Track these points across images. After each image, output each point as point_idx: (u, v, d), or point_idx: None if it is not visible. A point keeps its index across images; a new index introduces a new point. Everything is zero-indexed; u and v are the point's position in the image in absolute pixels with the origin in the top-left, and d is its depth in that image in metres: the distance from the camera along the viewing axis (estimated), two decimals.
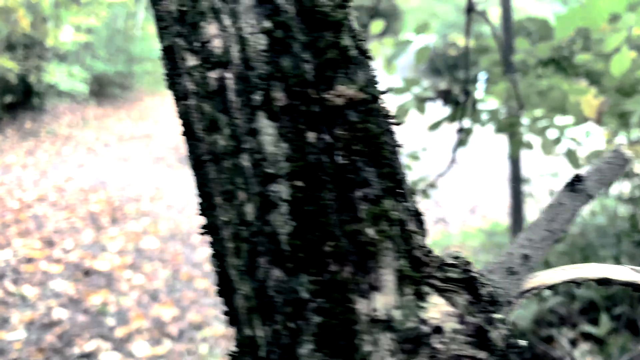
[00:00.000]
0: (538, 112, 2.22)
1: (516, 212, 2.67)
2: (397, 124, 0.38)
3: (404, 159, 1.43)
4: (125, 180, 6.32)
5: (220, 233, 0.40)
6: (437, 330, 0.34)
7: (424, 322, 0.34)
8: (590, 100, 1.70)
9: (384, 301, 0.34)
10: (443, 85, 2.21)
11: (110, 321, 2.84)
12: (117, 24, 13.17)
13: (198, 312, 3.06)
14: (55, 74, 8.60)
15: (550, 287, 0.39)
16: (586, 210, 3.91)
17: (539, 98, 1.85)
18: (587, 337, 2.22)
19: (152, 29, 13.65)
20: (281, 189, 0.35)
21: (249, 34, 0.36)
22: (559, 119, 2.08)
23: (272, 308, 0.35)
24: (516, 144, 2.19)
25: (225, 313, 0.41)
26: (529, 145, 2.06)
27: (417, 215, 0.40)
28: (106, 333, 2.70)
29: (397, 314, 0.34)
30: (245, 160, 0.36)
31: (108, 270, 3.57)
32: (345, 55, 0.36)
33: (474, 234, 5.23)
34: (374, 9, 2.33)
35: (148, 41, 12.45)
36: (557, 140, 1.95)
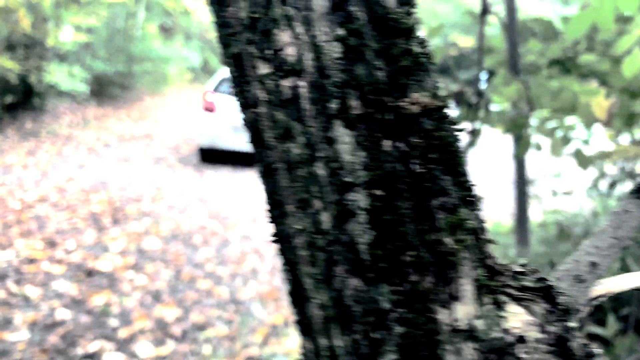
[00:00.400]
0: (546, 113, 2.23)
1: (521, 212, 2.67)
2: (461, 131, 0.38)
3: None
4: (126, 181, 6.30)
5: (292, 241, 0.39)
6: (521, 339, 0.34)
7: (506, 331, 0.34)
8: (601, 101, 1.71)
9: (464, 311, 0.34)
10: (455, 87, 2.21)
11: (113, 322, 2.83)
12: (117, 24, 13.15)
13: (201, 313, 3.06)
14: (56, 74, 8.57)
15: (616, 294, 0.39)
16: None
17: (549, 99, 1.86)
18: (594, 338, 2.23)
19: (151, 29, 13.64)
20: (359, 198, 0.35)
21: (323, 41, 0.36)
22: (567, 120, 2.09)
23: (350, 317, 0.35)
24: (524, 145, 2.19)
25: (297, 322, 0.40)
26: (538, 147, 2.07)
27: (484, 224, 0.40)
28: (109, 334, 2.69)
29: (479, 324, 0.34)
30: (320, 169, 0.36)
31: (110, 270, 3.57)
32: (417, 62, 0.36)
33: None
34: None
35: (148, 41, 12.46)
36: (566, 141, 1.96)
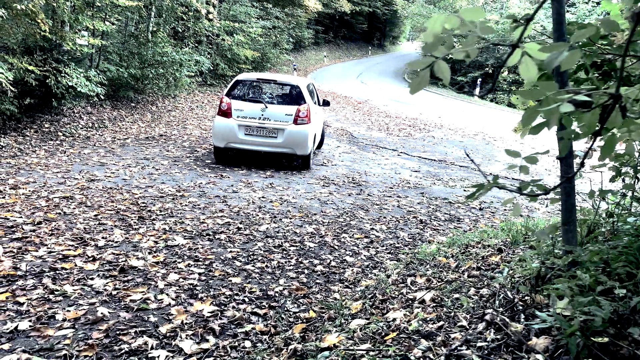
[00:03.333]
0: None
1: (568, 210, 2.65)
2: None
3: (522, 161, 1.43)
4: (147, 180, 6.36)
5: None
6: None
7: None
8: None
9: None
10: (581, 97, 2.20)
11: (152, 318, 2.86)
12: (129, 28, 13.26)
13: (236, 309, 3.07)
14: (74, 77, 8.65)
15: None
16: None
17: None
18: None
19: (163, 33, 13.73)
20: None
21: None
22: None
23: None
24: (565, 145, 2.18)
25: None
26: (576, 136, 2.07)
27: None
28: (150, 329, 2.72)
29: None
30: None
31: (142, 267, 3.60)
32: None
33: (493, 232, 5.20)
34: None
35: (159, 45, 12.55)
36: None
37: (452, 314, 2.42)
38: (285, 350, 2.36)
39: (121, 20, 12.84)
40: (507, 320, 1.95)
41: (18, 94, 7.90)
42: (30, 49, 8.56)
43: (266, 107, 7.54)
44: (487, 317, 2.08)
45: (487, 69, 26.51)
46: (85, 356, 2.39)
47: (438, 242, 4.78)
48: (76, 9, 8.93)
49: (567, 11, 25.91)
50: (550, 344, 1.56)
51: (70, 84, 8.67)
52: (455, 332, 2.10)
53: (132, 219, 4.71)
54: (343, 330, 2.52)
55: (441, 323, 2.25)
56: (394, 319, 2.54)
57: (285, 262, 4.01)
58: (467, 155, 1.45)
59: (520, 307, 2.03)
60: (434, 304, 2.71)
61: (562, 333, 1.53)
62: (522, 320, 1.90)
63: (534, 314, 1.93)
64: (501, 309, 2.17)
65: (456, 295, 2.80)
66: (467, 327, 2.14)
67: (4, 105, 7.75)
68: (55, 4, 7.59)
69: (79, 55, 9.72)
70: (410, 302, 2.87)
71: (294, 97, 7.95)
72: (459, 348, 1.84)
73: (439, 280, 3.28)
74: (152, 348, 2.49)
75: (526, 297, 2.11)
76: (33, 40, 8.34)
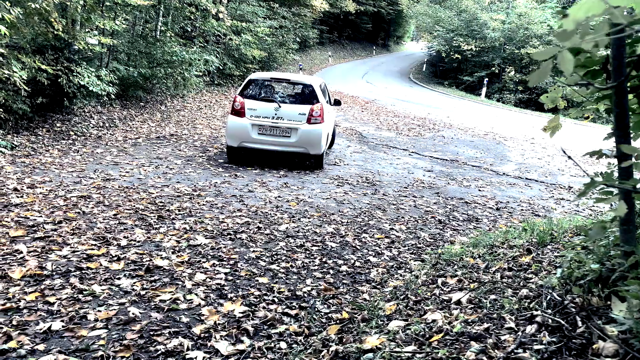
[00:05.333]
0: None
1: (628, 210, 2.58)
2: None
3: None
4: (162, 179, 6.32)
5: None
6: None
7: None
8: None
9: None
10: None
11: (184, 318, 2.81)
12: (137, 28, 13.23)
13: (267, 309, 3.03)
14: (85, 76, 8.62)
15: None
16: None
17: None
18: None
19: (171, 33, 13.70)
20: None
21: None
22: None
23: None
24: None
25: None
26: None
27: None
28: (184, 330, 2.67)
29: None
30: None
31: (167, 267, 3.56)
32: None
33: (515, 232, 5.14)
34: None
35: (168, 45, 12.52)
36: None
37: (495, 315, 2.37)
38: (327, 352, 2.31)
39: (129, 20, 12.81)
40: (562, 322, 1.89)
41: (30, 93, 7.87)
42: (42, 48, 8.53)
43: (279, 107, 7.49)
44: (538, 319, 2.03)
45: (494, 68, 26.42)
46: (122, 357, 2.35)
47: (460, 243, 4.73)
48: (87, 8, 8.90)
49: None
50: (619, 348, 1.51)
51: (82, 83, 8.64)
52: (505, 334, 2.05)
53: (151, 219, 4.67)
54: (382, 332, 2.47)
55: (487, 325, 2.20)
56: (433, 321, 2.49)
57: (310, 262, 3.96)
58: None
59: (573, 309, 1.98)
60: (472, 305, 2.66)
61: (637, 336, 1.48)
62: (579, 323, 1.85)
63: (589, 316, 1.88)
64: (550, 311, 2.12)
65: (493, 297, 2.75)
66: (516, 329, 2.09)
67: (16, 105, 7.72)
68: (69, 3, 7.55)
69: (90, 55, 9.70)
70: (445, 303, 2.82)
71: (307, 96, 7.90)
72: (515, 351, 1.79)
73: (471, 281, 3.23)
74: (188, 349, 2.45)
75: (577, 300, 2.06)
76: (44, 39, 8.32)
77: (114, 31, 10.82)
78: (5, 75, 6.90)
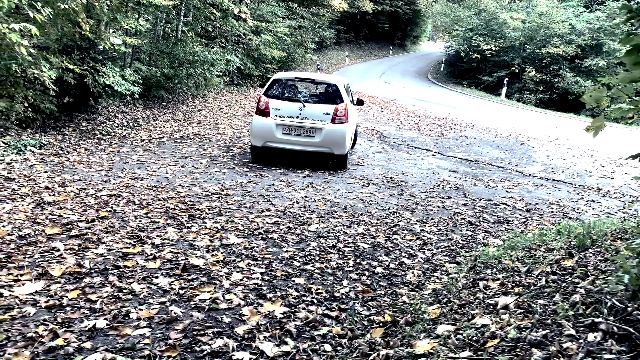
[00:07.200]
0: None
1: None
2: None
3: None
4: (189, 179, 6.33)
5: None
6: None
7: None
8: None
9: None
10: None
11: (225, 318, 2.79)
12: (160, 29, 13.32)
13: (307, 310, 2.99)
14: (110, 76, 8.69)
15: None
16: None
17: None
18: None
19: (192, 33, 13.77)
20: None
21: None
22: None
23: None
24: None
25: None
26: None
27: None
28: (227, 330, 2.64)
29: None
30: None
31: (203, 266, 3.54)
32: None
33: (551, 234, 5.02)
34: None
35: (190, 45, 12.58)
36: None
37: (549, 321, 2.30)
38: (377, 356, 2.26)
39: (150, 20, 12.90)
40: (631, 330, 1.81)
41: (57, 93, 7.95)
42: (67, 48, 8.62)
43: (304, 106, 7.46)
44: (602, 327, 1.95)
45: (514, 68, 26.07)
46: (169, 357, 2.33)
47: (494, 245, 4.63)
48: (113, 8, 8.98)
49: (596, 9, 25.32)
50: None
51: (107, 82, 8.71)
52: (566, 342, 1.98)
53: (182, 218, 4.67)
54: (430, 336, 2.41)
55: (544, 331, 2.13)
56: (483, 325, 2.42)
57: (344, 263, 3.91)
58: None
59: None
60: (521, 310, 2.58)
61: None
62: None
63: None
64: (612, 318, 2.04)
65: (541, 301, 2.67)
66: (577, 336, 2.02)
67: (44, 104, 7.82)
68: (97, 3, 7.61)
69: (115, 55, 9.78)
70: (492, 307, 2.75)
71: (331, 96, 7.85)
72: None
73: (514, 284, 3.15)
74: (233, 350, 2.42)
75: None
76: (70, 39, 8.40)
77: (137, 31, 10.91)
78: (35, 75, 6.98)
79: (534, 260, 3.69)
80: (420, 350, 2.22)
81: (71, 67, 7.79)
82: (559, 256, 3.64)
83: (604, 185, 8.33)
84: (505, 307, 2.70)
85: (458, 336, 2.30)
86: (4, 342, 2.36)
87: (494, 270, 3.59)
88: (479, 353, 2.06)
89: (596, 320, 2.06)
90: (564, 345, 1.94)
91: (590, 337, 1.97)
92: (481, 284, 3.24)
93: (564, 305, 2.41)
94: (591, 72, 24.11)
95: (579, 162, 10.22)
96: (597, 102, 3.07)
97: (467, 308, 2.81)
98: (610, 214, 6.58)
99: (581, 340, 1.96)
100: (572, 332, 2.06)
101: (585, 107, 21.50)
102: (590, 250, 3.74)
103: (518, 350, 1.98)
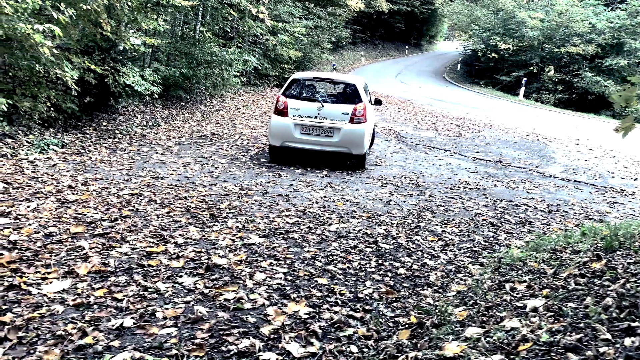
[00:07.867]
0: None
1: None
2: None
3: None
4: (208, 178, 6.36)
5: None
6: None
7: None
8: None
9: None
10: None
11: (250, 318, 2.78)
12: (179, 29, 13.43)
13: (331, 311, 2.97)
14: (130, 76, 8.78)
15: None
16: None
17: None
18: None
19: (210, 33, 13.86)
20: None
21: None
22: None
23: None
24: None
25: None
26: None
27: None
28: (252, 330, 2.64)
29: None
30: None
31: (226, 265, 3.54)
32: None
33: (576, 236, 4.92)
34: None
35: (207, 45, 12.65)
36: None
37: (582, 325, 2.24)
38: (405, 358, 2.23)
39: (168, 20, 13.02)
40: None
41: (79, 93, 8.06)
42: (88, 48, 8.74)
43: (322, 106, 7.44)
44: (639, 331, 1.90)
45: (532, 68, 25.71)
46: (196, 356, 2.33)
47: (517, 246, 4.56)
48: (133, 9, 9.07)
49: (617, 8, 24.83)
50: None
51: (127, 82, 8.81)
52: (602, 347, 1.93)
53: (204, 217, 4.69)
54: (459, 339, 2.37)
55: (578, 335, 2.08)
56: (513, 328, 2.38)
57: (366, 264, 3.89)
58: None
59: None
60: (551, 313, 2.53)
61: None
62: None
63: None
64: None
65: (571, 305, 2.62)
66: (613, 340, 1.97)
67: (66, 104, 7.93)
68: (118, 4, 7.70)
69: (135, 55, 9.88)
70: (520, 310, 2.70)
71: (349, 95, 7.82)
72: None
73: (541, 287, 3.09)
74: (260, 350, 2.41)
75: None
76: (90, 39, 8.51)
77: (156, 31, 11.01)
78: (57, 75, 7.09)
79: (560, 262, 3.63)
80: (450, 352, 2.18)
81: (92, 67, 7.89)
82: (586, 258, 3.56)
83: (628, 186, 8.16)
84: (535, 309, 2.65)
85: (488, 339, 2.26)
86: (34, 340, 2.39)
87: (520, 272, 3.53)
88: (511, 356, 2.02)
89: (633, 324, 2.00)
90: (601, 350, 1.89)
91: (627, 341, 1.92)
92: (507, 286, 3.19)
93: (596, 309, 2.36)
94: (612, 72, 23.66)
95: (601, 163, 10.03)
96: (626, 102, 3.00)
97: (494, 310, 2.76)
98: (635, 215, 6.44)
99: (618, 345, 1.91)
100: (608, 336, 2.01)
101: (612, 107, 21.05)
102: (618, 252, 3.66)
103: (552, 354, 1.94)
